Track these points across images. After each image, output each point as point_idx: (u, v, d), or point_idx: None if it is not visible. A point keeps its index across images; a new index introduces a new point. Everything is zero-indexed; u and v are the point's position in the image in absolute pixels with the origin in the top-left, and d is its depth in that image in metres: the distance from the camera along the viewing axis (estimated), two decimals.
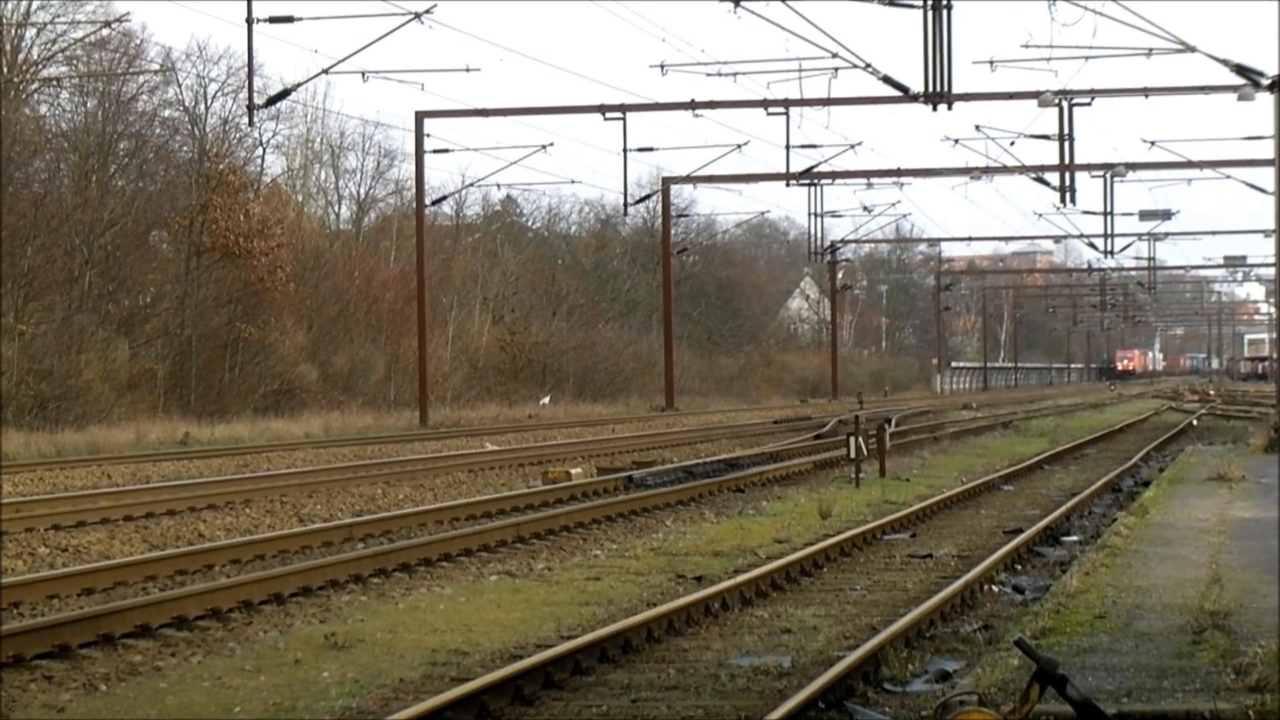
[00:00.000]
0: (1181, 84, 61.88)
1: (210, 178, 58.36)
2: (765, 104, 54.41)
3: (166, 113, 61.51)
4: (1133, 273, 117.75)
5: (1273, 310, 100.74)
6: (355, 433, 50.49)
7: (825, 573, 19.18)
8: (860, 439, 32.12)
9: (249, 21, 46.38)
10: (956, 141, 57.57)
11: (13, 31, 55.57)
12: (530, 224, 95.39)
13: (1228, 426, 54.91)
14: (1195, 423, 58.15)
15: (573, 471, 30.25)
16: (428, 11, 45.38)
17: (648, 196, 73.80)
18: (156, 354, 53.57)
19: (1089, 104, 53.06)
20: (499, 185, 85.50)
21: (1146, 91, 52.89)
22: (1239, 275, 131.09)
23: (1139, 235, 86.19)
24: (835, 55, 40.82)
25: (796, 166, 62.28)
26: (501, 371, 73.95)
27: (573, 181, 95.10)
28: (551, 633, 14.95)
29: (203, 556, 19.40)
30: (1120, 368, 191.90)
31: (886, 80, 40.78)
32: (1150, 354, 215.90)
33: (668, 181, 74.36)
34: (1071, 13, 49.91)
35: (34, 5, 55.99)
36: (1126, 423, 58.81)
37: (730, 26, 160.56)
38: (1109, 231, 72.77)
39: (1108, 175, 64.50)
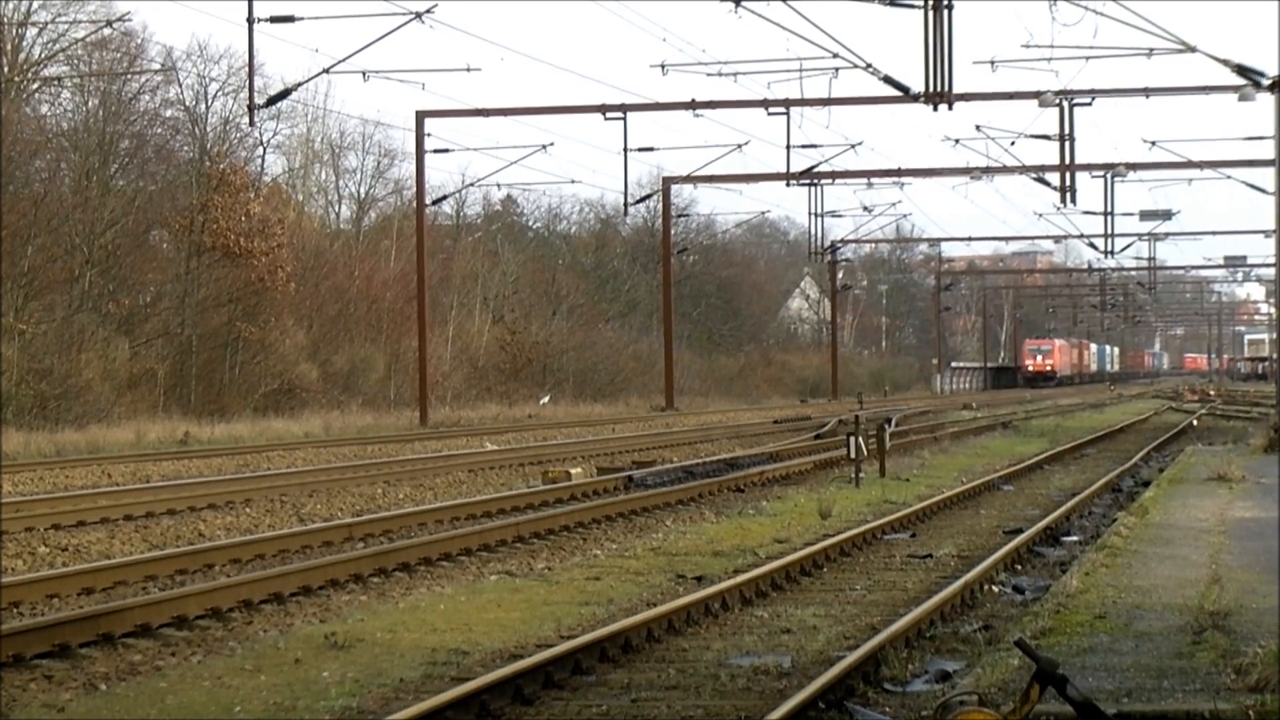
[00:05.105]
0: (1182, 84, 62.01)
1: (211, 177, 58.39)
2: (766, 104, 54.41)
3: (167, 112, 61.62)
4: (1133, 273, 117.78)
5: (1273, 310, 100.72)
6: (355, 432, 50.48)
7: (825, 573, 19.17)
8: (860, 439, 32.12)
9: (250, 21, 46.39)
10: (957, 141, 57.60)
11: (14, 31, 55.59)
12: (530, 224, 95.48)
13: (1228, 427, 54.90)
14: (1195, 423, 58.14)
15: (573, 471, 30.25)
16: (428, 11, 45.40)
17: (648, 196, 73.84)
18: (156, 353, 53.56)
19: (1089, 104, 53.09)
20: (499, 185, 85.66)
21: (1147, 91, 52.88)
22: (1239, 275, 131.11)
23: (1139, 235, 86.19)
24: (836, 55, 40.81)
25: (797, 166, 62.30)
26: (501, 371, 73.97)
27: (573, 181, 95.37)
28: (551, 632, 14.96)
29: (203, 556, 19.40)
30: (1030, 368, 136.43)
31: (887, 80, 40.77)
32: (1089, 348, 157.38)
33: (668, 181, 74.36)
34: (1072, 13, 49.86)
35: (35, 5, 56.07)
36: (1126, 423, 58.81)
37: (731, 26, 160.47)
38: (1109, 231, 72.78)
39: (1108, 175, 64.49)
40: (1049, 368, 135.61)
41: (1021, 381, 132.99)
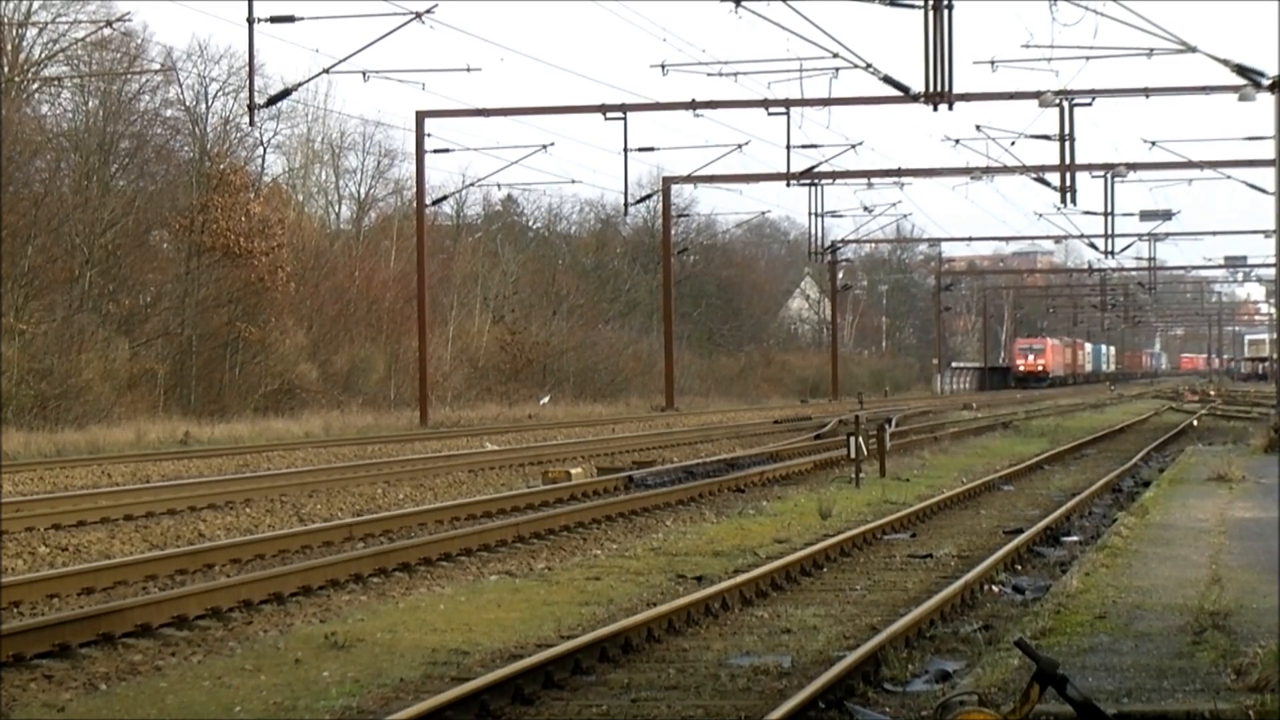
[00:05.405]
0: (1182, 84, 61.91)
1: (211, 177, 58.39)
2: (766, 104, 54.41)
3: (168, 112, 61.65)
4: (1133, 273, 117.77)
5: (1273, 310, 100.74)
6: (355, 432, 50.48)
7: (825, 573, 19.17)
8: (860, 439, 32.12)
9: (250, 21, 46.40)
10: (957, 141, 57.60)
11: (14, 31, 55.59)
12: (530, 224, 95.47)
13: (1228, 427, 54.89)
14: (1195, 423, 58.13)
15: (573, 471, 30.25)
16: (428, 11, 45.42)
17: (648, 196, 73.84)
18: (156, 354, 53.57)
19: (1089, 104, 53.09)
20: (499, 185, 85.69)
21: (1147, 91, 52.88)
22: (1239, 275, 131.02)
23: (1139, 235, 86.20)
24: (836, 55, 40.79)
25: (797, 166, 62.32)
26: (501, 371, 73.97)
27: (573, 181, 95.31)
28: (551, 632, 14.96)
29: (203, 556, 19.40)
30: (1022, 368, 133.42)
31: (887, 80, 40.76)
32: (1083, 347, 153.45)
33: (668, 181, 74.37)
34: (1072, 13, 49.88)
35: (35, 5, 56.07)
36: (1126, 423, 58.79)
37: (731, 26, 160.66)
38: (1109, 232, 72.76)
39: (1108, 175, 64.48)
40: (1041, 368, 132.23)
41: (1012, 382, 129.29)
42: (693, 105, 56.44)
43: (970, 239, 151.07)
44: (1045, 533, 22.55)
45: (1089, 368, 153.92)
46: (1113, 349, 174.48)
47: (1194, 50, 37.33)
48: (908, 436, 45.55)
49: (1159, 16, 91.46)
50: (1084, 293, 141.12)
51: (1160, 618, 14.31)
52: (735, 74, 49.37)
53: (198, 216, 56.52)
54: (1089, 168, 62.62)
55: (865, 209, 78.74)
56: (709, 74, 49.52)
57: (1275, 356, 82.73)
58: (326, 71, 49.01)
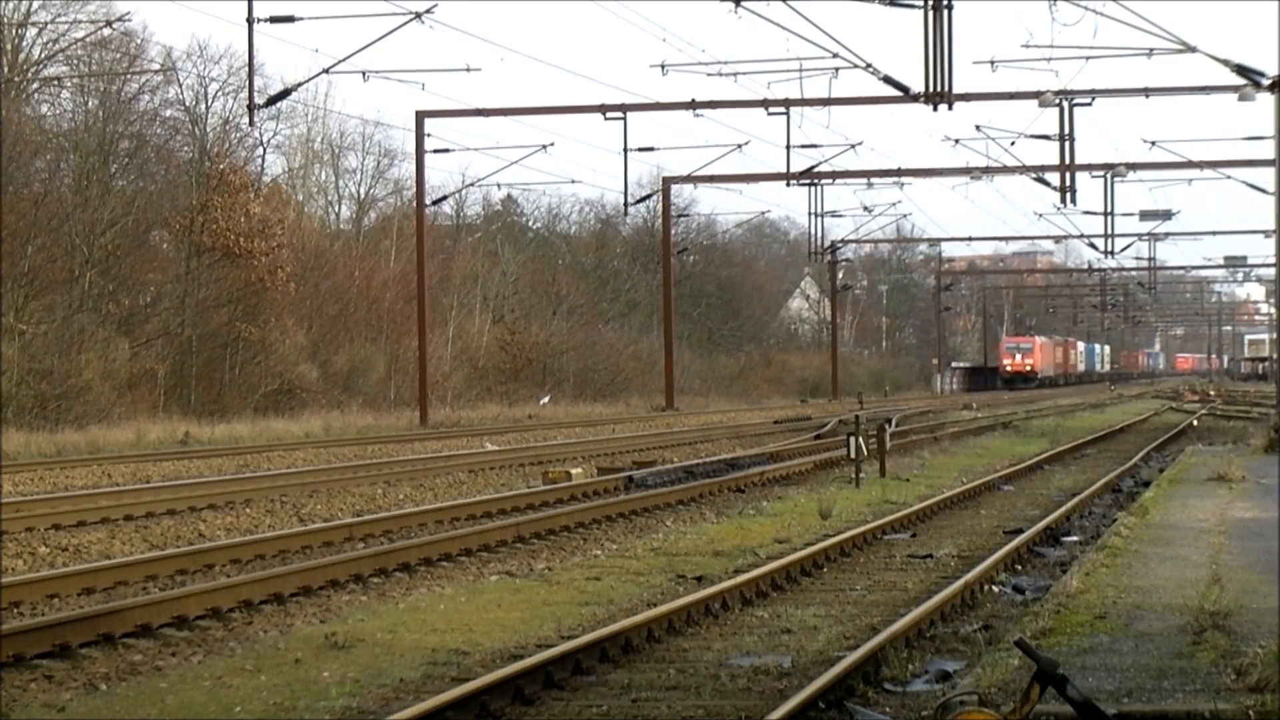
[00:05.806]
0: (1182, 84, 61.97)
1: (211, 177, 58.39)
2: (766, 104, 54.43)
3: (167, 112, 61.68)
4: (1133, 273, 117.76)
5: (1273, 310, 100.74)
6: (355, 433, 50.48)
7: (825, 573, 19.18)
8: (860, 439, 32.12)
9: (249, 21, 46.39)
10: (957, 141, 57.61)
11: (14, 31, 55.59)
12: (530, 224, 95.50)
13: (1228, 427, 54.89)
14: (1195, 423, 58.12)
15: (573, 471, 30.25)
16: (428, 11, 45.41)
17: (648, 196, 73.85)
18: (157, 354, 53.56)
19: (1089, 104, 53.11)
20: (499, 185, 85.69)
21: (1147, 91, 52.90)
22: (1239, 275, 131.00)
23: (1139, 235, 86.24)
24: (836, 55, 40.80)
25: (797, 166, 62.33)
26: (501, 371, 73.98)
27: (573, 181, 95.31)
28: (552, 633, 14.96)
29: (203, 556, 19.40)
30: (1009, 367, 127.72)
31: (887, 80, 40.77)
32: (1075, 347, 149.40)
33: (668, 181, 74.39)
34: (1072, 13, 49.86)
35: (35, 5, 56.08)
36: (1126, 423, 58.78)
37: (731, 26, 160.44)
38: (1109, 231, 72.80)
39: (1108, 175, 64.48)
40: (1029, 367, 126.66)
41: (1000, 383, 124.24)
42: (693, 105, 56.45)
43: (970, 239, 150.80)
44: (1045, 533, 22.55)
45: (1081, 367, 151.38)
46: (1108, 348, 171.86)
47: (1194, 50, 37.33)
48: (908, 436, 45.55)
49: (1159, 16, 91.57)
50: (1084, 293, 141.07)
51: (1160, 618, 14.32)
52: (735, 74, 49.40)
53: (197, 216, 56.52)
54: (1089, 168, 62.65)
55: (865, 209, 78.84)
56: (709, 74, 49.58)
57: (1275, 356, 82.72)
58: (326, 71, 49.04)
